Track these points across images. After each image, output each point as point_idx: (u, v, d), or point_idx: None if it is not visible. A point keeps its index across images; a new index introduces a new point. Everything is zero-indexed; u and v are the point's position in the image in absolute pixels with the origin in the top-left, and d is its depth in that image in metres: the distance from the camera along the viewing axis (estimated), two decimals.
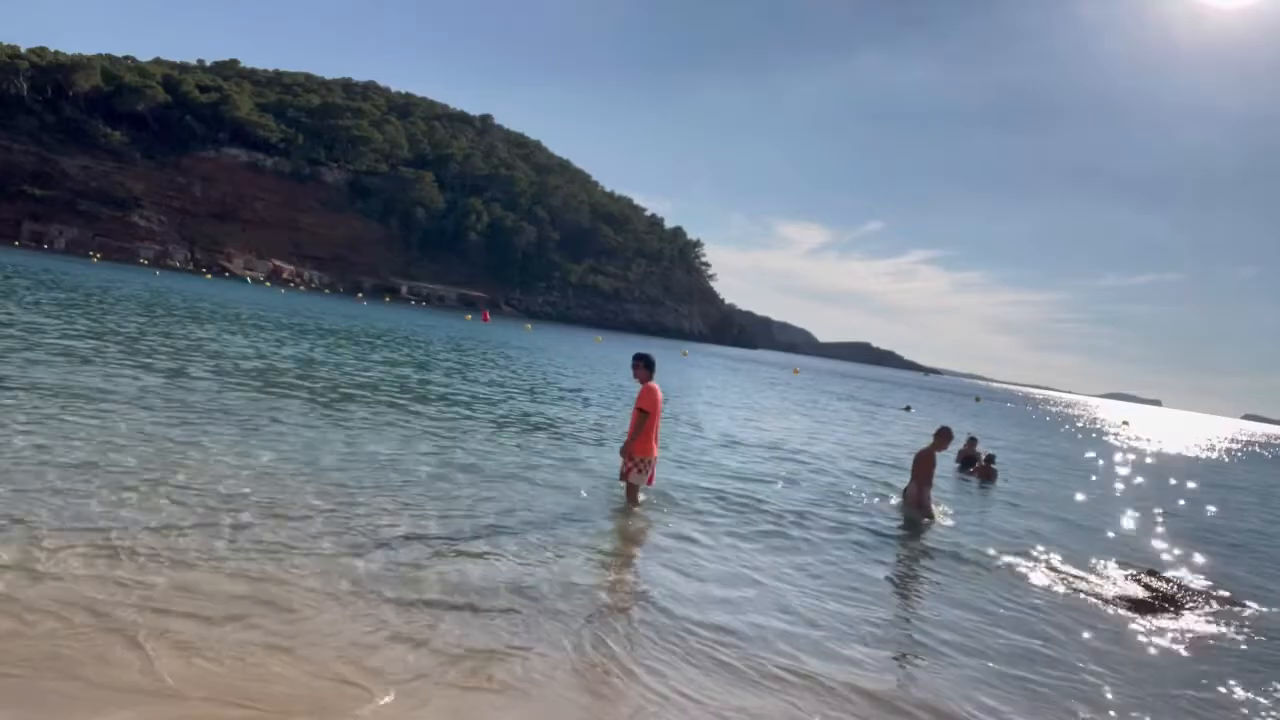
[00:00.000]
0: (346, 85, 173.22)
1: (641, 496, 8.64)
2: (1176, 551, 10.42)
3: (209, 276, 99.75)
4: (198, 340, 19.36)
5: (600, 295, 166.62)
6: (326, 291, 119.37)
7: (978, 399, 76.01)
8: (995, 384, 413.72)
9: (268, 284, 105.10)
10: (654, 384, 8.42)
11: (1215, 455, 38.76)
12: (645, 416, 8.26)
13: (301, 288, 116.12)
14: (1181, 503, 16.30)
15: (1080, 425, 52.14)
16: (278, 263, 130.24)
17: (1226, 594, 8.18)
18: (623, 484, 8.60)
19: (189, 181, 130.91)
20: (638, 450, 8.31)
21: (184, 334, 20.50)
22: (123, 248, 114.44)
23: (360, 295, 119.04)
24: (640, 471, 8.39)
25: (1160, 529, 12.25)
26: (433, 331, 44.32)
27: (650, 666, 4.65)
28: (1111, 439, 39.48)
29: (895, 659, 5.34)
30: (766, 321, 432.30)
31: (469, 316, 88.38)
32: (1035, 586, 7.58)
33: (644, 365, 8.43)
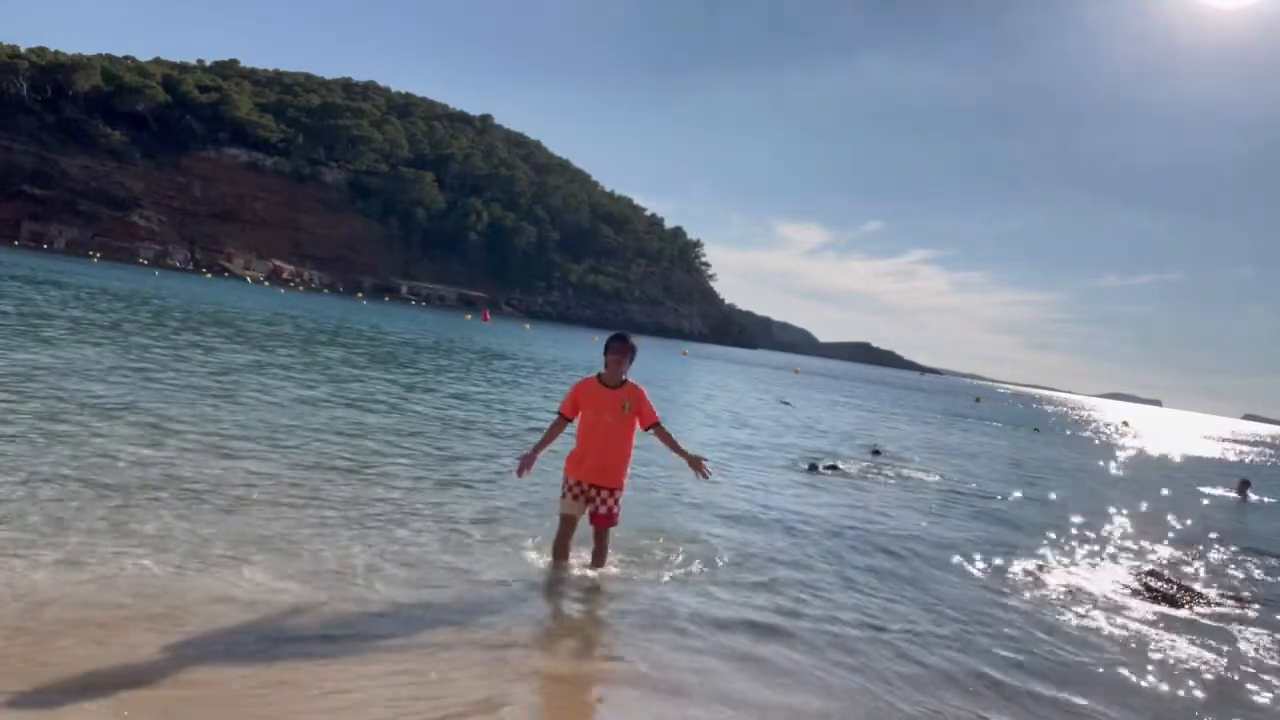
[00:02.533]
0: (346, 85, 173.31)
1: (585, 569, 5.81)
2: (1187, 552, 10.31)
3: (209, 276, 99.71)
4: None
5: (600, 295, 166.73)
6: (326, 291, 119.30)
7: (978, 399, 75.95)
8: (995, 384, 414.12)
9: (267, 284, 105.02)
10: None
11: (1221, 455, 38.67)
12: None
13: (301, 288, 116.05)
14: (1171, 499, 16.18)
15: (1082, 425, 52.06)
16: (278, 263, 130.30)
17: (1238, 595, 8.08)
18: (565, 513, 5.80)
19: (189, 181, 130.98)
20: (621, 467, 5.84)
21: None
22: (123, 248, 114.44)
23: (360, 295, 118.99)
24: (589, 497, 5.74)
25: (1166, 529, 12.14)
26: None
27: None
28: (1115, 439, 39.43)
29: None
30: (766, 321, 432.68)
31: (469, 316, 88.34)
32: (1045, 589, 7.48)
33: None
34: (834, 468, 13.19)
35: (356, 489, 7.38)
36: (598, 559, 5.82)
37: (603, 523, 5.75)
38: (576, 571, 5.77)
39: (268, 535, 5.69)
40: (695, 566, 6.45)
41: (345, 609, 4.62)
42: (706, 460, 5.87)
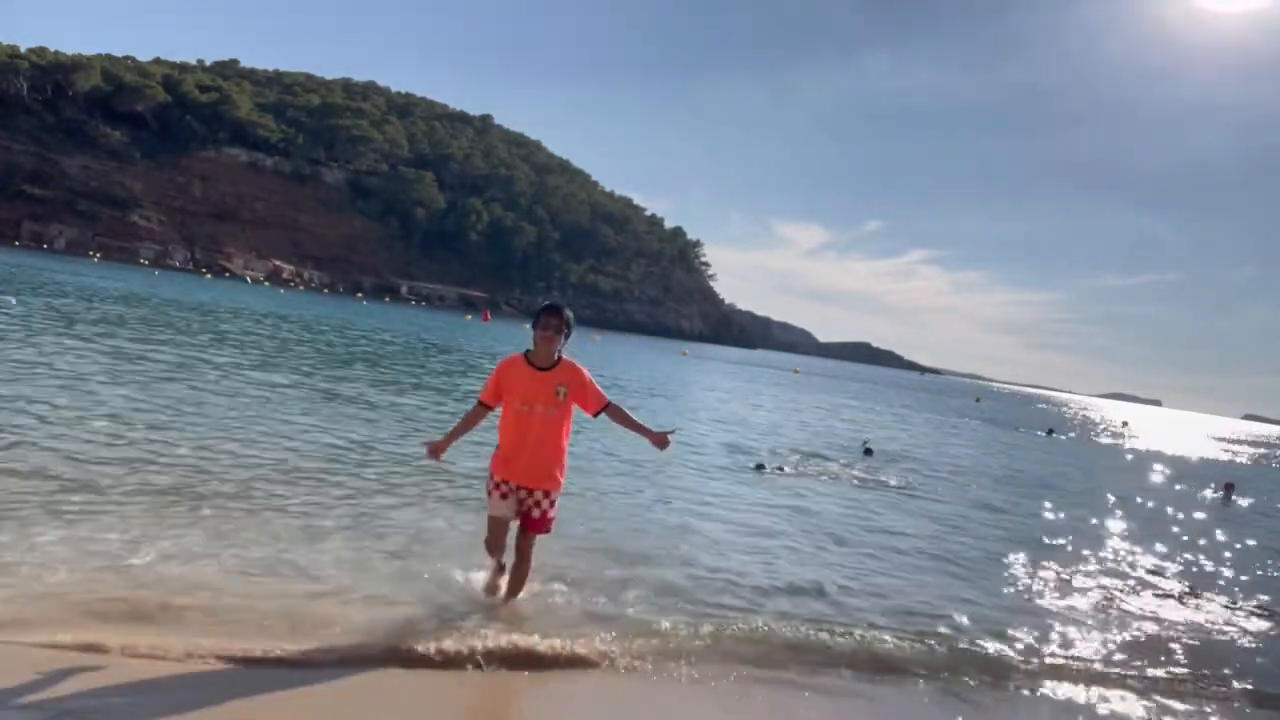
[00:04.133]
0: (346, 85, 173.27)
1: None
2: (1182, 552, 10.36)
3: (208, 276, 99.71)
4: None
5: (600, 295, 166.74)
6: (326, 291, 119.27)
7: (978, 399, 75.94)
8: (995, 384, 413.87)
9: (267, 284, 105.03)
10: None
11: (1219, 456, 38.72)
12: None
13: (301, 288, 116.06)
14: (1165, 500, 16.24)
15: (1081, 426, 52.06)
16: (277, 263, 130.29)
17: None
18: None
19: (189, 181, 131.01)
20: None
21: None
22: (123, 248, 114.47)
23: (360, 295, 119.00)
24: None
25: (1161, 530, 12.20)
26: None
27: None
28: (1115, 440, 39.44)
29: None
30: (766, 321, 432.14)
31: (469, 317, 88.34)
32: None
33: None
34: (780, 469, 12.50)
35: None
36: (519, 573, 4.93)
37: (535, 528, 4.81)
38: (487, 598, 4.98)
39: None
40: (613, 588, 5.63)
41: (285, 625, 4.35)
42: (674, 432, 4.94)
